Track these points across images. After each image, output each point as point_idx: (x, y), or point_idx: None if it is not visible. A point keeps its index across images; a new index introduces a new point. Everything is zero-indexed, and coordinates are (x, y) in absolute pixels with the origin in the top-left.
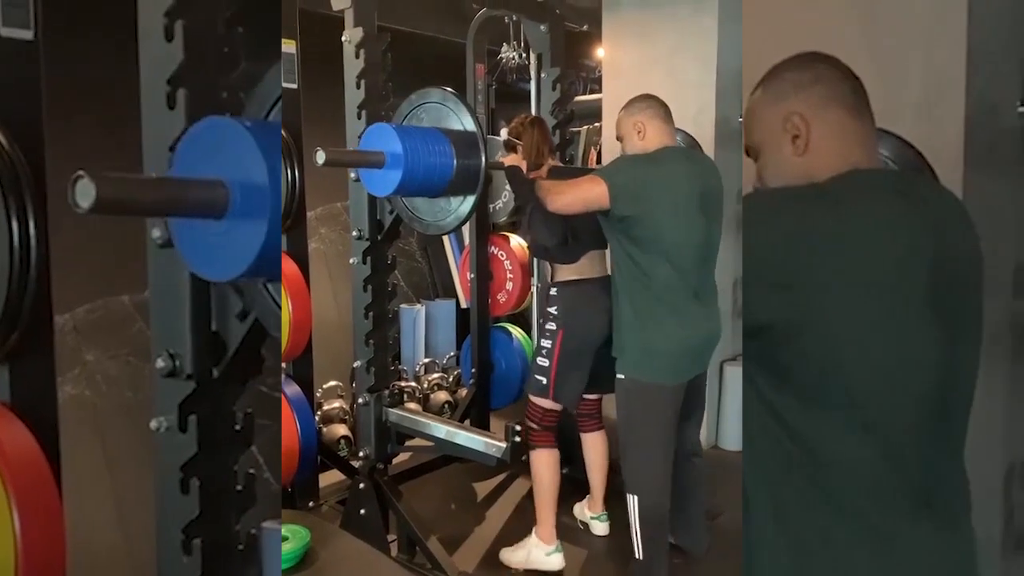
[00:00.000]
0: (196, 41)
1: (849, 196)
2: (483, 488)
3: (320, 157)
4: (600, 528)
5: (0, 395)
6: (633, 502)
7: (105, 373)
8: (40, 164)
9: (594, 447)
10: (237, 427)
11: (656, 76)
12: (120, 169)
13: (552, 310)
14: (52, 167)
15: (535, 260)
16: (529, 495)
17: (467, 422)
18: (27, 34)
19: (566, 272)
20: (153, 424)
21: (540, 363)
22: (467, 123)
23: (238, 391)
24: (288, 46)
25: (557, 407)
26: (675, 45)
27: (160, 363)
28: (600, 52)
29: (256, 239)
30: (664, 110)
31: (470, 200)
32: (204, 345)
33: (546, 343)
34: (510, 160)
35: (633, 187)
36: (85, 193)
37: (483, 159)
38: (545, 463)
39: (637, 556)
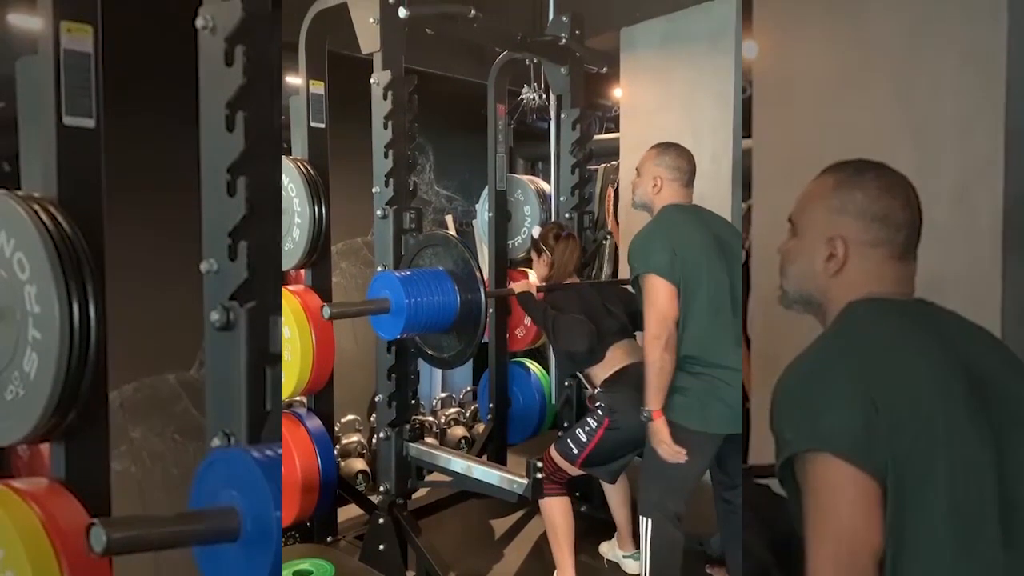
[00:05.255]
0: (255, 131)
1: (874, 344)
2: (500, 525)
3: (326, 312)
4: (633, 567)
5: (56, 472)
6: (646, 525)
7: (151, 450)
8: (100, 247)
9: (614, 489)
10: None
11: (673, 115)
12: (177, 252)
13: (599, 404)
14: (111, 249)
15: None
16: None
17: (484, 457)
18: (89, 122)
19: (600, 372)
20: None
21: (578, 435)
22: (468, 264)
23: None
24: (317, 87)
25: (574, 473)
26: (691, 84)
27: (216, 441)
28: (617, 92)
29: (266, 563)
30: (690, 175)
31: (475, 333)
32: (259, 424)
33: (592, 422)
34: (520, 287)
35: (671, 255)
36: (97, 539)
37: (483, 294)
38: (557, 510)
39: None
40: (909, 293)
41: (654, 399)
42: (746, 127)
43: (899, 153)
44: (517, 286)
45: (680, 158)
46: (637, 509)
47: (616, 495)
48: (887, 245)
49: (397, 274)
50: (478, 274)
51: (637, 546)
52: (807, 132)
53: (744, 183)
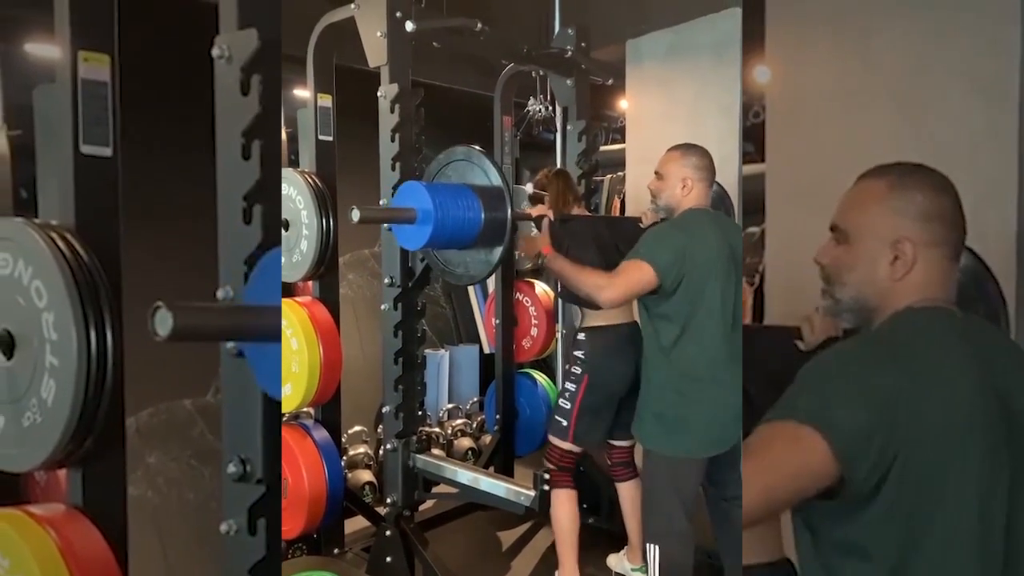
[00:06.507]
0: (270, 159)
1: (917, 351)
2: (507, 537)
3: (355, 215)
4: None
5: (73, 498)
6: (654, 551)
7: (167, 475)
8: (117, 274)
9: (630, 497)
10: None
11: (679, 127)
12: (194, 280)
13: (579, 354)
14: (128, 276)
15: (560, 306)
16: (555, 545)
17: (491, 469)
18: (106, 151)
19: (593, 318)
20: (223, 527)
21: (562, 405)
22: (493, 177)
23: None
24: (324, 100)
25: (576, 449)
26: (697, 96)
27: (231, 468)
28: (623, 103)
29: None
30: (712, 173)
31: (498, 250)
32: (274, 450)
33: (570, 386)
34: (537, 211)
35: (678, 261)
36: (163, 322)
37: (509, 211)
38: (563, 503)
39: None
40: (952, 297)
41: (563, 272)
42: (759, 151)
43: None
44: (535, 209)
45: (705, 158)
46: (643, 534)
47: (628, 505)
48: (945, 245)
49: (424, 184)
50: (503, 186)
51: (646, 560)
52: (821, 156)
53: (755, 207)
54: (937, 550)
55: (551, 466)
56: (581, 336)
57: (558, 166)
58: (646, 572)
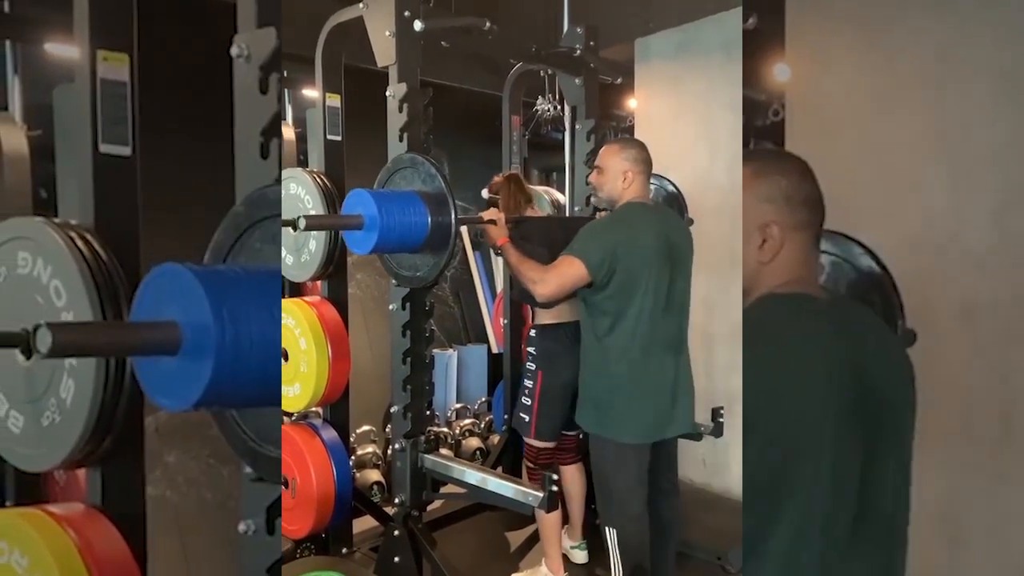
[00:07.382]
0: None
1: (772, 338)
2: (515, 538)
3: (301, 223)
4: (580, 556)
5: (92, 497)
6: (611, 534)
7: (186, 474)
8: (136, 272)
9: (572, 479)
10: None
11: (688, 124)
12: None
13: (531, 350)
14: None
15: None
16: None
17: (499, 469)
18: (125, 150)
19: (544, 316)
20: (241, 527)
21: (523, 402)
22: (438, 183)
23: None
24: (333, 100)
25: (550, 445)
26: (706, 93)
27: (249, 468)
28: (632, 102)
29: (204, 374)
30: (650, 165)
31: (445, 253)
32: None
33: (528, 383)
34: (488, 214)
35: (608, 257)
36: (43, 340)
37: (453, 215)
38: None
39: None
40: (814, 282)
41: (511, 263)
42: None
43: (934, 179)
44: (486, 213)
45: (644, 151)
46: (599, 516)
47: (571, 487)
48: (809, 229)
49: (370, 192)
50: (446, 190)
51: (585, 536)
52: (842, 154)
53: None
54: (787, 526)
55: (530, 464)
56: (532, 333)
57: (567, 165)
58: (585, 549)
